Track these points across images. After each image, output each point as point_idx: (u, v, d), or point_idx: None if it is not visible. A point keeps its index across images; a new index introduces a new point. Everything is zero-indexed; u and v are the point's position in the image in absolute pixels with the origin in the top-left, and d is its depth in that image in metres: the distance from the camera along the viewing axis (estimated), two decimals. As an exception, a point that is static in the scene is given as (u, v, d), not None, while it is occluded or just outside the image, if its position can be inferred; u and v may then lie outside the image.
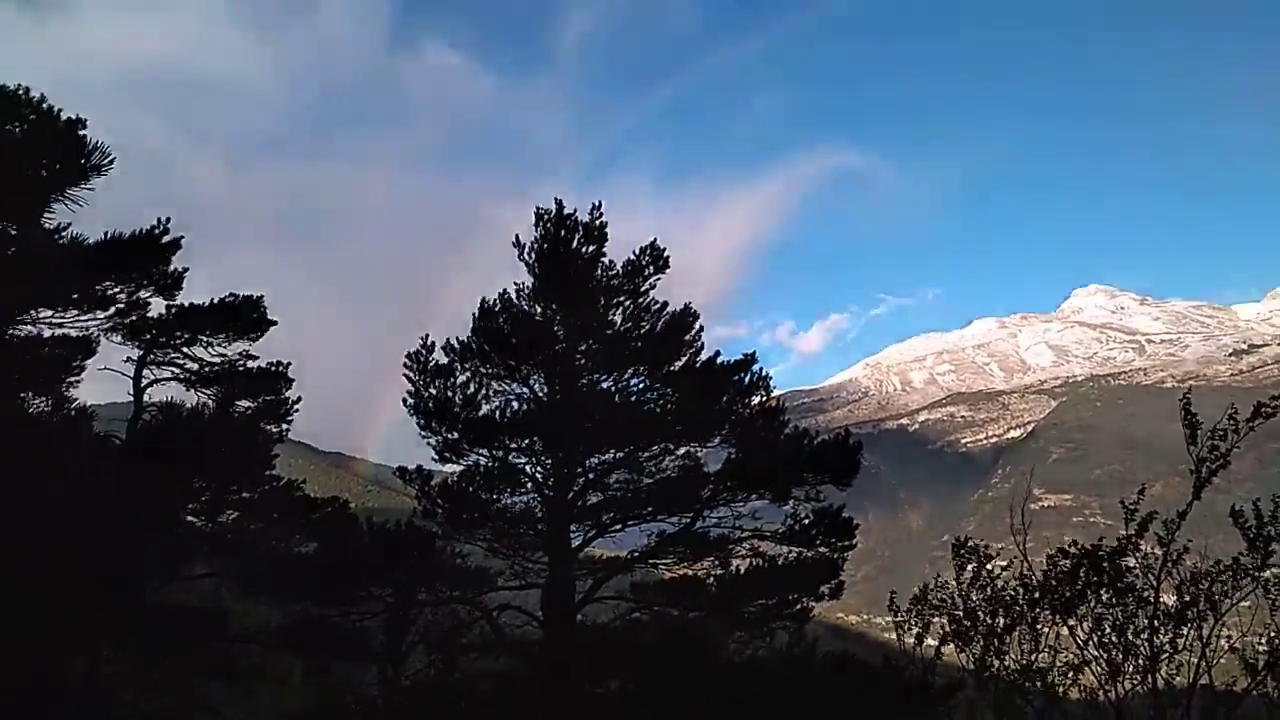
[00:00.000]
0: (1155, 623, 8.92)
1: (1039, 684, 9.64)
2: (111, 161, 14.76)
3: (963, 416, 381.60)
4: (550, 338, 15.09)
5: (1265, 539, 8.63)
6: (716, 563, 14.80)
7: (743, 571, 14.54)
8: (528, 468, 15.14)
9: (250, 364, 15.98)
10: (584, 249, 14.86)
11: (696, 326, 15.19)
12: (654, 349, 15.01)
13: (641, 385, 15.44)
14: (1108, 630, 9.19)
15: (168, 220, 15.07)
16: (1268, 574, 8.71)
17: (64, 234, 14.61)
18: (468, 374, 14.94)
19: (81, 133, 14.51)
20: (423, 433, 14.96)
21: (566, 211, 14.75)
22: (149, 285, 15.33)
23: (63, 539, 13.30)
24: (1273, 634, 8.65)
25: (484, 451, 14.91)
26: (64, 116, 14.37)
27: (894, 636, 11.94)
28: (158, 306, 15.44)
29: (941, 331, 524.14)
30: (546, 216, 14.82)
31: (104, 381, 15.43)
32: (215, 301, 15.53)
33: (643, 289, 15.09)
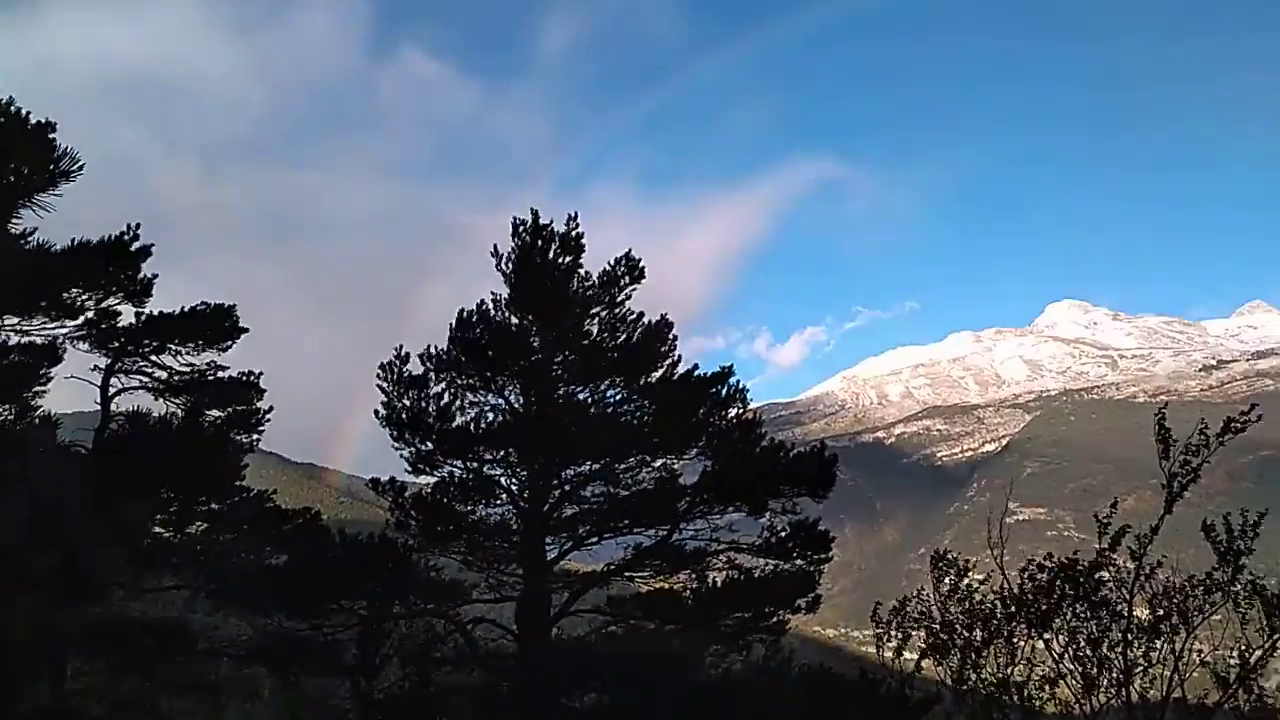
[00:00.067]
0: (1129, 636, 8.95)
1: (1015, 698, 9.64)
2: (81, 167, 14.53)
3: (938, 430, 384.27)
4: (526, 348, 15.01)
5: (1235, 553, 8.69)
6: (693, 576, 14.73)
7: (719, 584, 14.48)
8: (503, 479, 15.02)
9: (221, 373, 15.77)
10: (560, 259, 14.81)
11: (672, 338, 15.18)
12: (630, 360, 14.97)
13: (618, 396, 15.38)
14: (1082, 644, 9.21)
15: (137, 227, 14.86)
16: (1238, 588, 8.77)
17: (29, 239, 14.36)
18: (443, 385, 14.83)
19: (51, 136, 14.28)
20: (396, 444, 14.82)
21: (543, 222, 14.71)
22: (118, 292, 15.08)
23: (27, 550, 13.04)
24: (1244, 647, 8.70)
25: (458, 463, 14.78)
26: (33, 119, 14.13)
27: (872, 650, 11.92)
28: (127, 314, 15.22)
29: (917, 345, 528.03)
30: (523, 227, 14.77)
31: (70, 390, 15.17)
32: (186, 310, 15.31)
33: (618, 299, 15.06)
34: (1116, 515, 9.21)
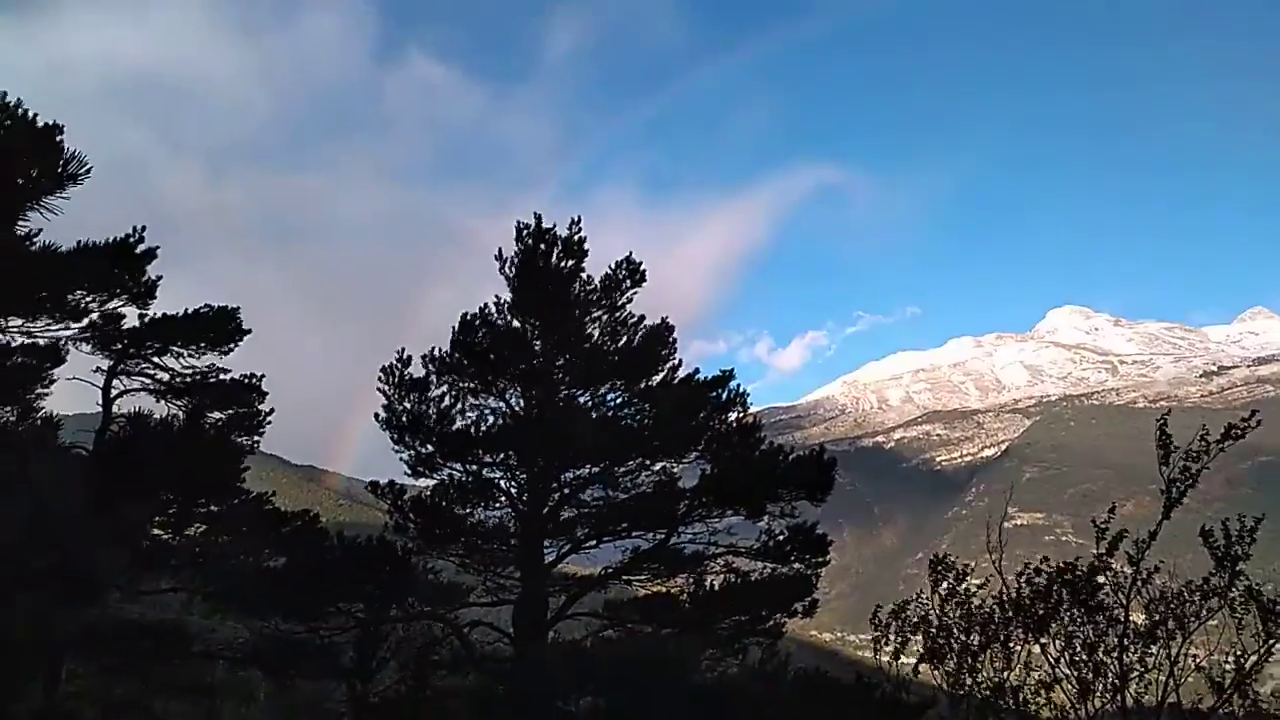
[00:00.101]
0: (1125, 641, 8.96)
1: (1011, 702, 9.66)
2: (88, 171, 14.50)
3: (938, 435, 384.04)
4: (528, 352, 15.04)
5: (1233, 559, 8.70)
6: (691, 579, 14.74)
7: (716, 588, 14.50)
8: (502, 482, 15.06)
9: (222, 375, 15.79)
10: (563, 263, 14.85)
11: (673, 341, 15.22)
12: (631, 363, 15.00)
13: (618, 400, 15.42)
14: (1078, 649, 9.23)
15: (143, 229, 14.89)
16: (1235, 593, 8.78)
17: (34, 240, 14.39)
18: (444, 388, 14.86)
19: (58, 139, 14.29)
20: (396, 447, 14.84)
21: (545, 226, 14.77)
22: (122, 295, 15.10)
23: (25, 550, 13.05)
24: (1239, 652, 8.72)
25: (458, 466, 14.81)
26: (40, 122, 14.16)
27: (868, 654, 11.92)
28: (131, 317, 15.25)
29: (918, 350, 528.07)
30: (526, 231, 14.82)
31: (72, 391, 15.20)
32: (189, 312, 15.34)
33: (619, 303, 15.11)
34: (1115, 520, 9.22)
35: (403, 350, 14.83)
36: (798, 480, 14.35)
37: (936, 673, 10.47)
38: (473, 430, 14.73)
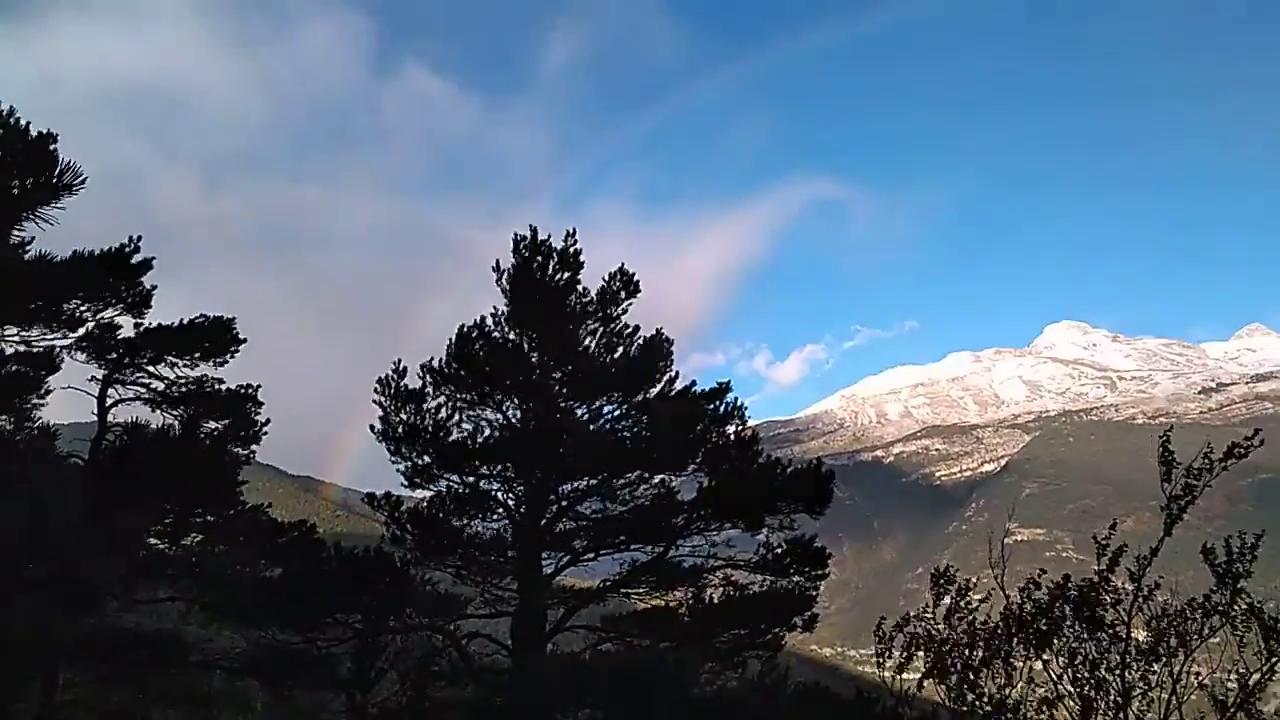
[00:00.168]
0: (1127, 658, 8.90)
1: (1013, 718, 9.57)
2: (83, 181, 14.47)
3: (937, 449, 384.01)
4: (525, 364, 15.03)
5: (1234, 576, 8.65)
6: (689, 592, 14.69)
7: (715, 601, 14.45)
8: (499, 494, 15.01)
9: (219, 385, 15.73)
10: (558, 275, 14.86)
11: (670, 353, 15.22)
12: (628, 375, 15.00)
13: (616, 412, 15.40)
14: (1079, 665, 9.16)
15: (138, 239, 14.84)
16: (1236, 611, 8.72)
17: (28, 250, 14.37)
18: (441, 399, 14.85)
19: (52, 148, 14.28)
20: (392, 458, 14.82)
21: (541, 238, 14.79)
22: (117, 304, 15.07)
23: (21, 559, 12.99)
24: (1242, 670, 8.65)
25: (455, 477, 14.78)
26: (34, 131, 14.15)
27: (868, 669, 11.84)
28: (126, 326, 15.20)
29: (917, 364, 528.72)
30: (523, 243, 14.86)
31: (68, 400, 15.14)
32: (184, 322, 15.29)
33: (615, 314, 15.12)
34: (1115, 537, 9.17)
35: (399, 361, 14.84)
36: (796, 493, 14.32)
37: (939, 688, 10.39)
38: (470, 442, 14.70)
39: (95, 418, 15.12)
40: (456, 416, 14.86)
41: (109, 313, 15.00)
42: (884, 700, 11.88)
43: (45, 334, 14.82)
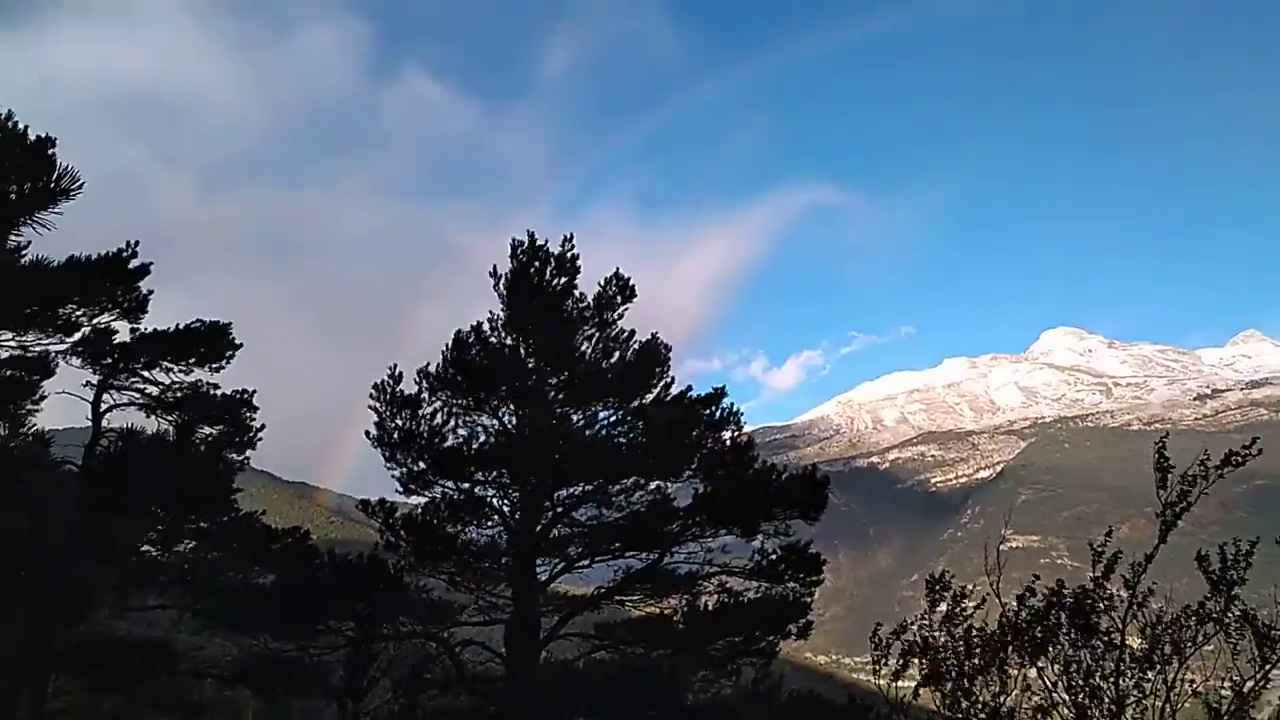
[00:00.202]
0: (1121, 666, 8.89)
1: (1006, 727, 9.55)
2: (81, 185, 14.43)
3: (933, 456, 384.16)
4: (521, 369, 15.01)
5: (1229, 583, 8.65)
6: (684, 599, 14.65)
7: (710, 608, 14.40)
8: (494, 500, 14.98)
9: (214, 390, 15.69)
10: (555, 281, 14.86)
11: (666, 359, 15.20)
12: (624, 381, 14.98)
13: (611, 418, 15.38)
14: (1074, 672, 9.15)
15: (136, 244, 14.82)
16: (1230, 618, 8.72)
17: (24, 253, 14.33)
18: (436, 405, 14.82)
19: (50, 152, 14.25)
20: (388, 464, 14.78)
21: (539, 243, 14.79)
22: (113, 309, 15.03)
23: (16, 566, 12.92)
24: (1236, 678, 8.65)
25: (450, 483, 14.74)
26: (32, 135, 14.12)
27: (863, 677, 11.82)
28: (122, 331, 15.16)
29: (913, 370, 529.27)
30: (520, 248, 14.85)
31: (62, 406, 15.09)
32: (180, 327, 15.26)
33: (611, 320, 15.11)
34: (1110, 544, 9.17)
35: (395, 367, 14.82)
36: (791, 499, 14.30)
37: (935, 696, 10.37)
38: (465, 448, 14.67)
39: (90, 423, 15.09)
40: (452, 422, 14.84)
41: (105, 318, 14.98)
42: (879, 708, 11.85)
43: (40, 339, 14.78)
